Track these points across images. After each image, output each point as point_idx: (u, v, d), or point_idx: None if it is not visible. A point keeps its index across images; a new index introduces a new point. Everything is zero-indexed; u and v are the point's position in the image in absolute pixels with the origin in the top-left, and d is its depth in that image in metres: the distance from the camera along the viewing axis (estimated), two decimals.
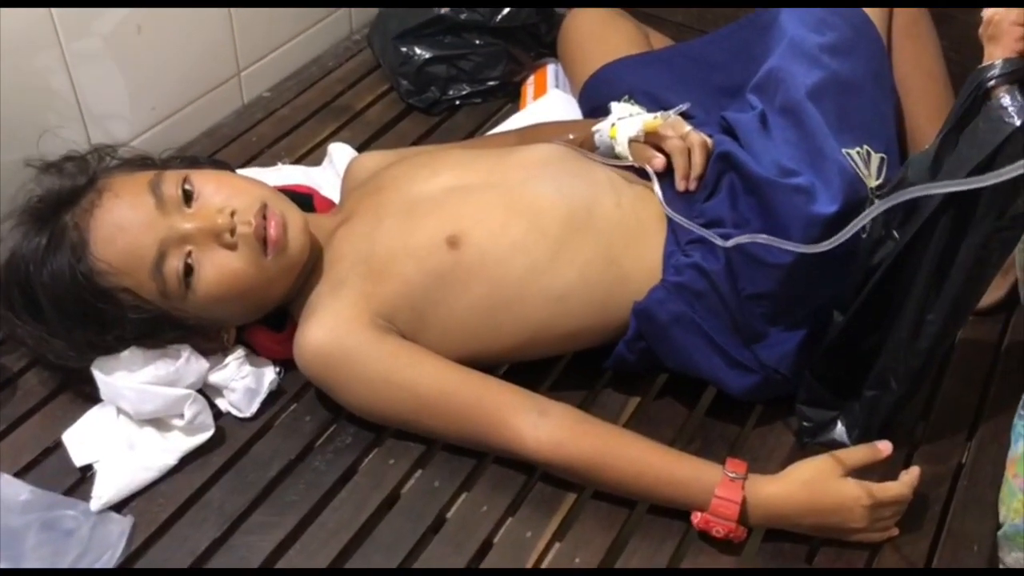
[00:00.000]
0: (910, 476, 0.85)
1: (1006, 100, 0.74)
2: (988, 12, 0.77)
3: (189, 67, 1.21)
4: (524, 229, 0.90)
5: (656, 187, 0.93)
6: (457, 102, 1.32)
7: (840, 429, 0.92)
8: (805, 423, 0.93)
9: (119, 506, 0.85)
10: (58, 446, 0.89)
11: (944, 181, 0.73)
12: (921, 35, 1.04)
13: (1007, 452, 0.84)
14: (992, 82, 0.75)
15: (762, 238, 0.79)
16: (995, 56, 0.75)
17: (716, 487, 0.82)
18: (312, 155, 1.23)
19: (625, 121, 0.99)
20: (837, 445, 0.90)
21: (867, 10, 0.99)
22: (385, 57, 1.34)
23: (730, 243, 0.82)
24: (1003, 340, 1.04)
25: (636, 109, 1.02)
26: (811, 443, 0.92)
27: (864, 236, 0.86)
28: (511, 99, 1.33)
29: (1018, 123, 0.72)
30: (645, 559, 0.84)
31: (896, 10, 1.03)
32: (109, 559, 0.81)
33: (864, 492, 0.82)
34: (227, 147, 1.24)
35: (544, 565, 0.84)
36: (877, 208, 0.68)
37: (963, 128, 0.78)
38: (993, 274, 0.84)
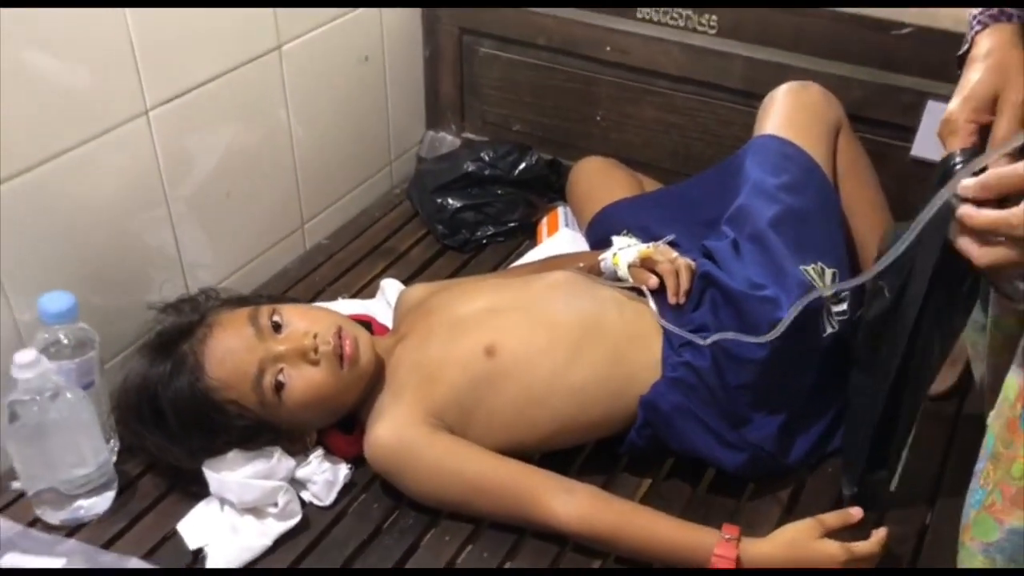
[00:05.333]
0: (878, 536, 1.01)
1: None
2: (946, 112, 0.91)
3: (263, 222, 1.46)
4: (546, 338, 1.11)
5: (651, 302, 1.15)
6: (484, 241, 1.55)
7: None
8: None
9: None
10: (174, 534, 1.08)
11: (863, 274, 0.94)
12: (860, 173, 1.28)
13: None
14: (956, 167, 0.87)
15: (730, 335, 1.01)
16: (954, 147, 0.89)
17: (715, 547, 1.00)
18: (366, 290, 1.46)
19: (624, 251, 1.22)
20: None
21: (812, 155, 1.23)
22: (423, 207, 1.59)
23: (707, 341, 1.04)
24: (958, 418, 1.22)
25: (633, 241, 1.25)
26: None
27: (825, 332, 1.09)
28: (528, 237, 1.57)
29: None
30: None
31: (839, 154, 1.27)
32: None
33: (839, 550, 0.99)
34: (294, 286, 1.47)
35: None
36: (804, 301, 0.91)
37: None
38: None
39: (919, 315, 0.98)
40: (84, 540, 1.06)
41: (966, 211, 0.77)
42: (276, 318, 1.10)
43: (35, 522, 1.09)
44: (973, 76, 0.90)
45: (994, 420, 0.91)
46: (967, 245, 0.79)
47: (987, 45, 0.90)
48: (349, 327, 1.12)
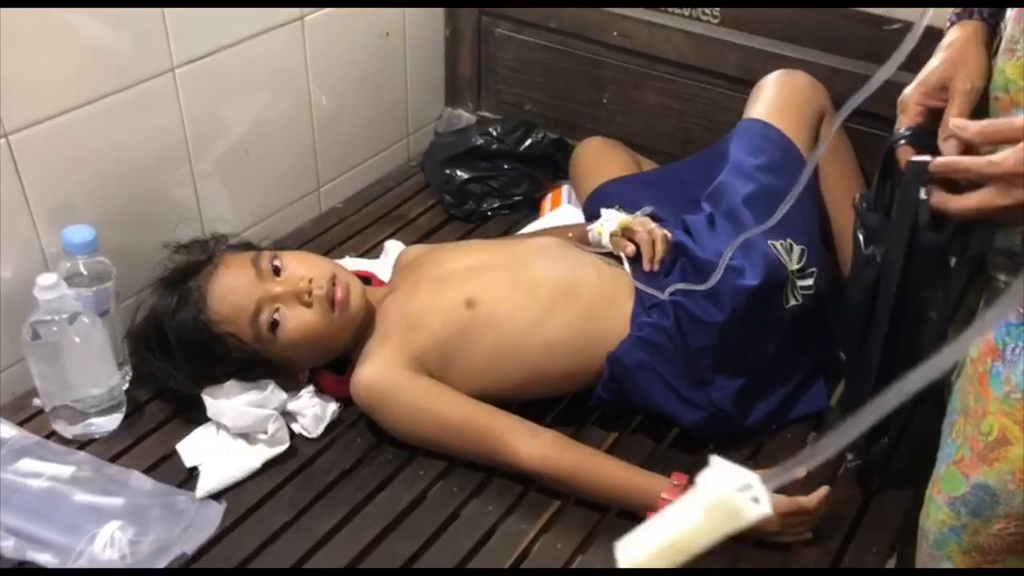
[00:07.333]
0: (818, 493, 1.07)
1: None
2: (902, 94, 1.00)
3: (280, 182, 1.56)
4: (523, 295, 1.19)
5: (626, 266, 1.23)
6: (489, 213, 1.64)
7: None
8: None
9: (216, 496, 1.12)
10: (173, 454, 1.18)
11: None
12: (841, 159, 1.34)
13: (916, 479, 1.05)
14: (901, 141, 0.97)
15: (681, 285, 1.10)
16: (903, 124, 0.98)
17: (662, 491, 1.07)
18: (373, 251, 1.56)
19: (608, 221, 1.29)
20: None
21: (792, 139, 1.29)
22: (434, 178, 1.68)
23: (666, 292, 1.12)
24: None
25: (621, 214, 1.32)
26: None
27: (788, 304, 1.15)
28: (532, 211, 1.64)
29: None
30: (609, 548, 1.08)
31: (821, 136, 1.34)
32: (208, 532, 1.08)
33: (779, 503, 1.05)
34: (307, 244, 1.56)
35: (532, 551, 1.09)
36: (737, 242, 1.02)
37: (885, 173, 1.02)
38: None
39: (902, 279, 1.00)
40: (93, 453, 1.17)
41: (959, 123, 0.85)
42: (276, 262, 1.19)
43: (51, 435, 1.20)
44: (931, 64, 0.98)
45: (958, 378, 0.96)
46: (943, 199, 0.87)
47: (950, 38, 0.98)
48: (343, 275, 1.21)
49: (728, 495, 0.44)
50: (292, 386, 1.22)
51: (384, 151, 1.75)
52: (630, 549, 0.47)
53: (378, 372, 1.16)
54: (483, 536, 1.10)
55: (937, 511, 0.97)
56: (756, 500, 0.44)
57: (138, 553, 1.03)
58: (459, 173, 1.64)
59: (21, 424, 1.20)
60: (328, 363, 1.25)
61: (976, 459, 0.91)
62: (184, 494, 1.12)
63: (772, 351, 1.20)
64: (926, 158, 0.91)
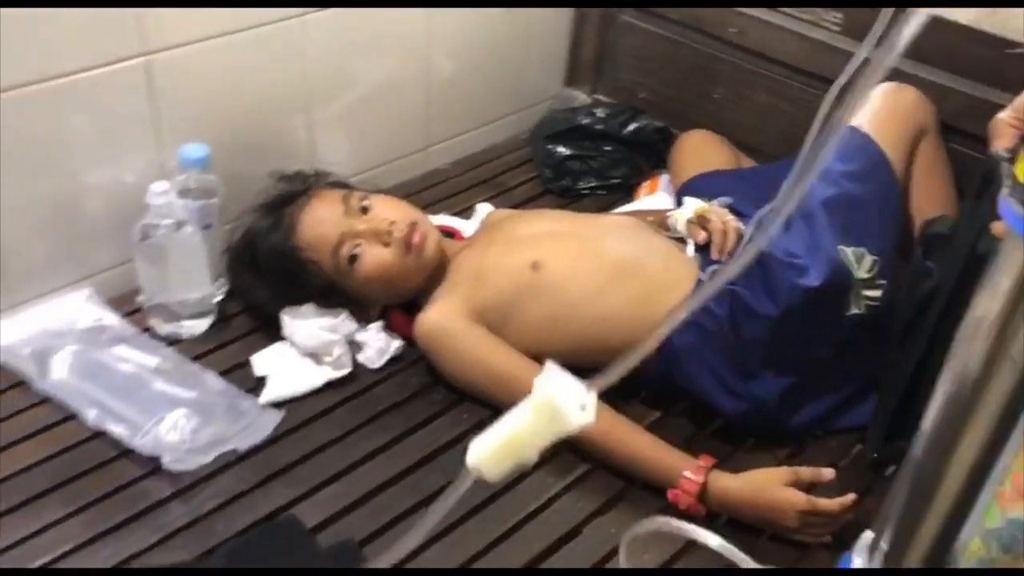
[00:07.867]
0: (843, 499, 1.07)
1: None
2: (994, 119, 1.02)
3: (392, 137, 1.65)
4: (588, 266, 1.23)
5: (690, 249, 1.26)
6: (584, 192, 1.68)
7: None
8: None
9: (278, 405, 1.22)
10: (247, 363, 1.28)
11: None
12: (936, 177, 1.32)
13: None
14: (1000, 162, 0.95)
15: (717, 269, 1.12)
16: (998, 147, 1.00)
17: (686, 470, 1.09)
18: (466, 212, 1.63)
19: (687, 208, 1.32)
20: None
21: (887, 151, 1.28)
22: (537, 152, 1.73)
23: (706, 273, 1.14)
24: None
25: (700, 202, 1.34)
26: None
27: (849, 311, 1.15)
28: (627, 196, 1.67)
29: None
30: (626, 515, 1.11)
31: (919, 155, 1.32)
32: (262, 434, 1.18)
33: (799, 500, 1.06)
34: (407, 199, 1.64)
35: (554, 506, 1.13)
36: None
37: (980, 195, 1.03)
38: None
39: (950, 298, 1.01)
40: (179, 351, 1.29)
41: None
42: (365, 203, 1.28)
43: (147, 330, 1.33)
44: None
45: None
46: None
47: None
48: (424, 223, 1.29)
49: (553, 397, 0.47)
50: (364, 318, 1.31)
51: (496, 121, 1.82)
52: (477, 447, 0.51)
53: (439, 316, 1.23)
54: (511, 482, 1.15)
55: (969, 540, 0.96)
56: (583, 408, 0.47)
57: (196, 441, 1.14)
58: (560, 149, 1.68)
59: (125, 316, 1.34)
60: (400, 304, 1.33)
61: (1016, 493, 0.89)
62: (249, 398, 1.22)
63: (827, 356, 1.20)
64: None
